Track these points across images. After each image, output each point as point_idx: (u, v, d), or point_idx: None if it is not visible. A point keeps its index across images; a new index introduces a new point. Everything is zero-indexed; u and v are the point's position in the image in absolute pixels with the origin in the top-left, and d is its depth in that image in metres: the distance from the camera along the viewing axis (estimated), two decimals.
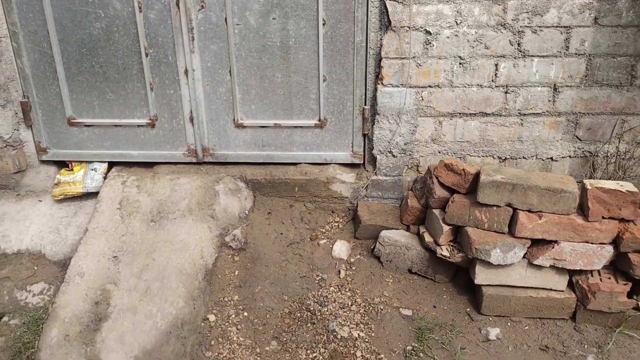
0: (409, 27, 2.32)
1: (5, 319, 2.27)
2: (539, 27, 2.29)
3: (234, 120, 2.63)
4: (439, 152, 2.54)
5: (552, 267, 2.12)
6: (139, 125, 2.67)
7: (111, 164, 2.78)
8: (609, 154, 2.46)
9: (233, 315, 2.21)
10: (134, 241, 2.40)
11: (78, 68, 2.57)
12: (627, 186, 2.03)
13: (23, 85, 2.61)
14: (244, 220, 2.56)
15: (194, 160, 2.73)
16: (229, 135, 2.66)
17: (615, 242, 2.06)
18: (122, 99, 2.62)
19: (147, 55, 2.52)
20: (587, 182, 2.07)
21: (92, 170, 2.73)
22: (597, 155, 2.48)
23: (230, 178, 2.66)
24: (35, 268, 2.46)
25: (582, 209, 2.08)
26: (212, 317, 2.20)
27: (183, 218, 2.47)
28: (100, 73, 2.57)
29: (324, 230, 2.61)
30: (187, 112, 2.62)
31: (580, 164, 2.51)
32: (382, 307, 2.24)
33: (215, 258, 2.40)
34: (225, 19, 2.43)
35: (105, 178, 2.71)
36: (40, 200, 2.69)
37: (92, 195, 2.67)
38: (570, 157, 2.50)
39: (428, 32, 2.33)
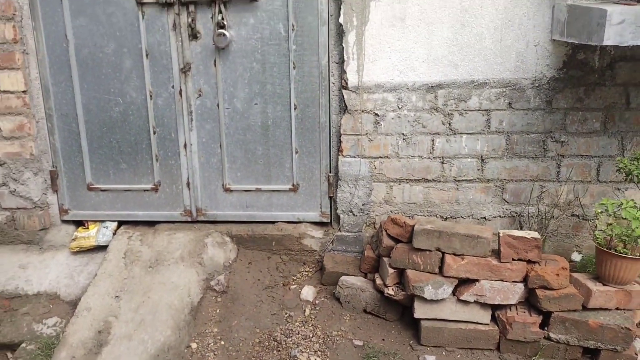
0: (361, 111, 2.92)
1: (23, 345, 2.73)
2: (465, 110, 2.87)
3: (223, 185, 3.18)
4: (391, 212, 3.04)
5: (477, 302, 2.54)
6: (145, 190, 3.23)
7: (120, 222, 3.31)
8: (531, 214, 2.94)
9: (212, 344, 2.64)
10: (134, 283, 2.88)
11: (99, 143, 3.18)
12: (532, 234, 2.50)
13: (53, 157, 3.22)
14: (227, 268, 3.04)
15: (189, 219, 3.26)
16: (219, 198, 3.21)
17: (525, 280, 2.50)
18: (132, 168, 3.20)
19: (154, 132, 3.13)
20: (500, 230, 2.55)
21: (104, 227, 3.26)
22: (523, 215, 2.96)
23: (218, 233, 3.17)
24: (51, 306, 2.93)
25: (498, 253, 2.54)
26: (194, 345, 2.63)
27: (176, 264, 2.96)
28: (116, 147, 3.18)
29: (295, 278, 3.07)
30: (184, 178, 3.19)
31: (509, 223, 2.99)
32: (338, 339, 2.65)
33: (200, 297, 2.86)
34: (218, 104, 3.05)
35: (114, 234, 3.24)
36: (59, 253, 3.20)
37: (103, 248, 3.18)
38: (500, 217, 2.99)
39: (376, 114, 2.92)
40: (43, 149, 3.18)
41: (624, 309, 2.46)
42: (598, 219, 2.53)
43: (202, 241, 3.09)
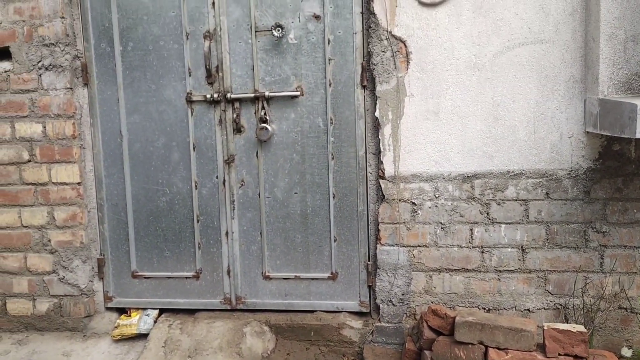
0: (399, 200, 2.98)
1: None
2: (502, 200, 2.89)
3: (262, 273, 3.23)
4: (432, 302, 3.00)
5: None
6: (186, 277, 3.30)
7: (161, 310, 3.37)
8: (576, 306, 2.86)
9: None
10: None
11: (145, 232, 3.31)
12: (577, 327, 2.43)
13: (101, 245, 3.35)
14: (266, 358, 3.02)
15: (229, 307, 3.29)
16: (258, 286, 3.25)
17: None
18: (175, 256, 3.30)
19: (198, 221, 3.25)
20: (545, 324, 2.48)
21: (146, 315, 3.31)
22: (568, 308, 2.88)
23: (257, 322, 3.17)
24: None
25: (543, 347, 2.46)
26: None
27: (214, 354, 2.96)
28: (161, 235, 3.30)
29: None
30: (225, 266, 3.26)
31: (554, 316, 2.90)
32: None
33: None
34: (259, 193, 3.17)
35: (155, 322, 3.28)
36: (102, 340, 3.26)
37: (144, 336, 3.21)
38: (544, 309, 2.91)
39: (414, 203, 2.97)
40: (93, 237, 3.33)
41: None
42: None
43: (241, 330, 3.10)
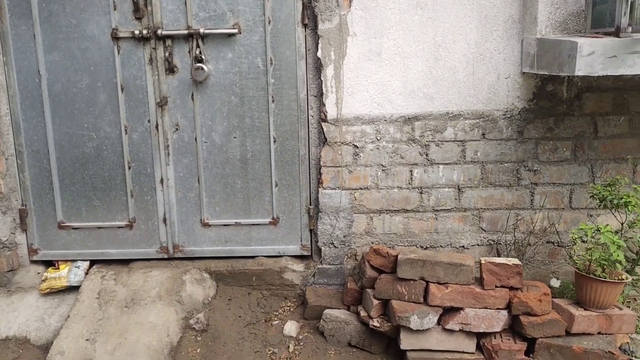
0: (341, 143, 2.94)
1: None
2: (441, 141, 2.93)
3: (201, 220, 3.13)
4: (372, 243, 3.04)
5: (462, 331, 2.55)
6: (119, 227, 3.14)
7: (92, 262, 3.20)
8: (508, 242, 3.00)
9: None
10: (109, 324, 2.77)
11: (71, 180, 3.09)
12: (513, 260, 2.54)
13: (22, 195, 3.10)
14: (207, 305, 2.96)
15: (166, 256, 3.18)
16: (197, 234, 3.15)
17: (509, 307, 2.53)
18: (106, 205, 3.12)
19: (129, 168, 3.07)
20: (482, 258, 2.58)
21: (76, 267, 3.14)
22: (500, 243, 3.01)
23: (197, 270, 3.09)
24: (21, 351, 2.78)
25: (480, 281, 2.56)
26: None
27: (153, 303, 2.86)
28: (89, 183, 3.09)
29: (277, 313, 3.01)
30: (161, 214, 3.12)
31: (487, 251, 3.03)
32: None
33: (180, 337, 2.76)
34: (195, 138, 3.03)
35: (86, 274, 3.12)
36: (28, 295, 3.06)
37: (75, 289, 3.05)
38: (478, 245, 3.03)
39: (356, 146, 2.95)
40: (12, 186, 3.07)
41: (605, 334, 2.50)
42: (575, 244, 2.59)
43: (180, 278, 3.01)
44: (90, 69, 2.97)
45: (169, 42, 2.92)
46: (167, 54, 2.94)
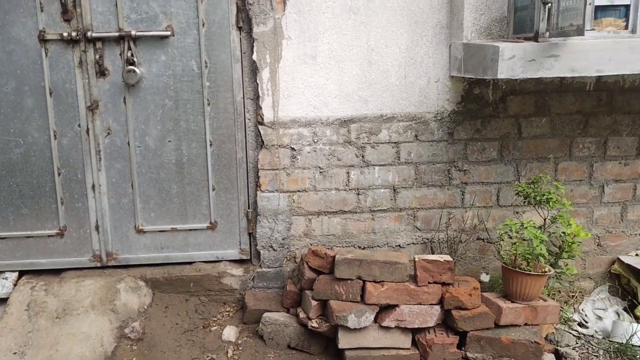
0: (278, 145, 2.96)
1: None
2: (376, 143, 3.00)
3: (135, 226, 3.06)
4: (311, 245, 3.07)
5: (397, 327, 2.61)
6: (49, 236, 3.03)
7: (22, 272, 3.06)
8: (441, 240, 3.10)
9: None
10: (40, 336, 2.66)
11: None
12: (445, 257, 2.63)
13: None
14: (142, 314, 2.90)
15: (99, 264, 3.08)
16: (131, 240, 3.07)
17: (441, 302, 2.61)
18: (35, 213, 3.00)
19: (59, 174, 2.97)
20: (416, 256, 2.65)
21: (4, 279, 3.00)
22: (434, 241, 3.11)
23: (132, 278, 3.02)
24: None
25: (415, 278, 2.64)
26: None
27: (86, 313, 2.77)
28: (16, 191, 2.97)
29: (216, 319, 2.98)
30: (93, 222, 3.03)
31: (422, 249, 3.12)
32: None
33: (114, 347, 2.69)
34: (128, 142, 2.96)
35: (15, 285, 2.99)
36: None
37: (3, 301, 2.92)
38: (413, 244, 3.11)
39: (293, 149, 2.97)
40: None
41: (532, 324, 2.63)
42: (502, 240, 2.71)
43: (114, 287, 2.93)
44: (17, 73, 2.85)
45: (99, 44, 2.85)
46: (97, 57, 2.87)
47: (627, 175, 3.12)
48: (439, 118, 2.99)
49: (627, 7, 2.54)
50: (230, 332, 2.86)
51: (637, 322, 2.93)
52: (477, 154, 3.05)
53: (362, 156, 3.01)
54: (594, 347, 2.84)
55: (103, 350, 2.62)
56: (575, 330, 2.96)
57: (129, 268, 3.09)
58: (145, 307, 2.94)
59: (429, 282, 2.61)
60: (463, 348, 2.60)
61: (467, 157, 3.05)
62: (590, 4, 2.26)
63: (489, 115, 3.00)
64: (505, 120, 3.02)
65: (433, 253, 3.09)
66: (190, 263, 3.11)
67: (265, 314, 2.85)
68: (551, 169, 3.08)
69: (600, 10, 2.56)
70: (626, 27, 2.56)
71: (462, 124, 3.01)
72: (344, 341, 2.63)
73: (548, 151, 3.05)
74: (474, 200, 3.09)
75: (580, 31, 2.18)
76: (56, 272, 3.06)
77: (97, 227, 3.04)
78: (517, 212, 3.10)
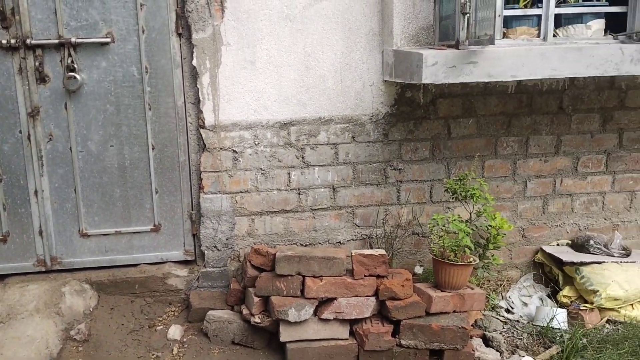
0: (220, 148, 3.06)
1: None
2: (315, 144, 3.14)
3: (79, 230, 3.09)
4: (254, 244, 3.17)
5: (336, 319, 2.75)
6: None
7: None
8: (379, 235, 3.26)
9: None
10: None
11: None
12: (379, 251, 2.79)
13: None
14: (88, 316, 2.94)
15: (43, 269, 3.10)
16: (75, 244, 3.11)
17: (376, 293, 2.77)
18: None
19: (1, 180, 2.97)
20: (352, 251, 2.80)
21: None
22: (372, 237, 3.27)
23: (76, 281, 3.05)
24: None
25: (351, 272, 2.79)
26: None
27: (31, 317, 2.80)
28: None
29: (161, 319, 3.05)
30: (36, 227, 3.05)
31: (361, 245, 3.28)
32: None
33: (60, 348, 2.73)
34: (70, 148, 3.00)
35: None
36: None
37: None
38: (353, 240, 3.27)
39: (235, 151, 3.07)
40: None
41: (460, 311, 2.82)
42: (433, 233, 2.89)
43: (59, 290, 2.96)
44: None
45: (39, 51, 2.88)
46: (37, 64, 2.89)
47: (547, 171, 3.37)
48: (374, 120, 3.16)
49: (539, 16, 2.76)
50: (175, 331, 2.94)
51: (559, 307, 3.17)
52: (410, 154, 3.23)
53: (302, 157, 3.14)
54: (518, 331, 3.06)
55: (48, 352, 2.65)
56: (503, 316, 3.17)
57: (73, 272, 3.12)
58: (91, 309, 2.98)
59: (365, 276, 2.76)
60: (397, 336, 2.76)
61: (401, 157, 3.23)
62: (499, 15, 2.46)
63: (421, 117, 3.19)
64: (436, 122, 3.21)
65: (372, 248, 3.25)
66: (135, 265, 3.17)
67: (210, 312, 2.94)
68: (479, 166, 3.29)
69: (515, 20, 2.78)
70: (538, 35, 2.79)
71: (396, 126, 3.18)
72: (286, 334, 2.75)
73: (475, 150, 3.27)
74: (409, 197, 3.27)
75: (491, 40, 2.38)
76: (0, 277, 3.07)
77: (40, 232, 3.06)
78: (448, 208, 3.30)
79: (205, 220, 3.12)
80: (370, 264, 2.76)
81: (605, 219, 3.49)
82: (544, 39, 2.76)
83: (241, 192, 3.13)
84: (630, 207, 3.50)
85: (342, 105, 3.11)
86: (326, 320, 2.76)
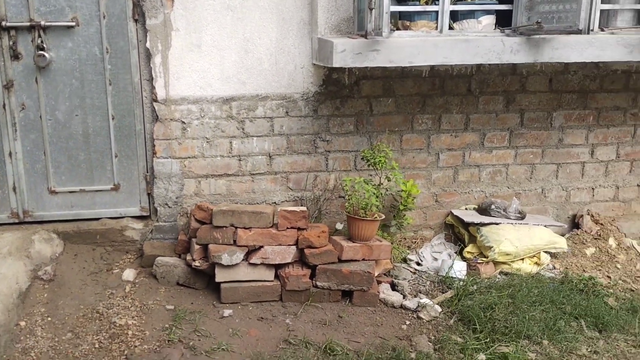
0: (170, 119, 3.55)
1: None
2: (254, 118, 3.63)
3: (48, 188, 3.59)
4: (201, 202, 3.68)
5: (263, 264, 3.27)
6: None
7: None
8: (309, 198, 3.78)
9: (39, 320, 3.03)
10: None
11: None
12: (301, 208, 3.31)
13: None
14: (54, 260, 3.44)
15: (17, 221, 3.60)
16: (45, 200, 3.60)
17: (297, 243, 3.29)
18: None
19: None
20: (278, 207, 3.32)
21: None
22: (304, 199, 3.79)
23: (45, 231, 3.55)
24: None
25: (276, 224, 3.30)
26: (22, 323, 3.00)
27: (4, 259, 3.29)
28: None
29: (118, 264, 3.56)
30: (10, 184, 3.54)
31: (294, 206, 3.80)
32: (153, 306, 3.21)
33: (28, 285, 3.23)
34: (41, 116, 3.48)
35: None
36: None
37: None
38: (287, 201, 3.79)
39: (183, 122, 3.57)
40: None
41: (368, 259, 3.34)
42: (347, 194, 3.42)
43: (30, 238, 3.46)
44: None
45: (13, 32, 3.34)
46: (11, 43, 3.35)
47: (457, 145, 3.89)
48: (305, 98, 3.65)
49: (437, 12, 3.26)
50: (129, 274, 3.45)
51: (463, 261, 3.71)
52: (337, 127, 3.74)
53: (243, 129, 3.64)
54: (424, 280, 3.61)
55: (18, 287, 3.16)
56: (413, 268, 3.71)
57: (43, 223, 3.62)
58: (57, 255, 3.49)
59: (288, 228, 3.28)
60: (314, 279, 3.29)
61: (329, 130, 3.73)
62: (387, 12, 2.94)
63: (346, 95, 3.69)
64: (360, 100, 3.71)
65: None
66: (97, 219, 3.67)
67: (158, 258, 3.45)
68: (397, 140, 3.81)
69: (417, 14, 3.28)
70: (436, 28, 3.28)
71: (324, 103, 3.68)
72: (220, 276, 3.27)
73: (394, 125, 3.78)
74: (336, 165, 3.78)
75: (379, 33, 2.89)
76: None
77: (14, 189, 3.55)
78: (370, 175, 3.82)
79: (158, 182, 3.62)
80: (292, 218, 3.28)
81: (508, 188, 4.03)
82: (440, 31, 3.26)
83: (189, 157, 3.63)
84: (530, 178, 4.04)
85: (277, 84, 3.61)
86: (255, 265, 3.28)
